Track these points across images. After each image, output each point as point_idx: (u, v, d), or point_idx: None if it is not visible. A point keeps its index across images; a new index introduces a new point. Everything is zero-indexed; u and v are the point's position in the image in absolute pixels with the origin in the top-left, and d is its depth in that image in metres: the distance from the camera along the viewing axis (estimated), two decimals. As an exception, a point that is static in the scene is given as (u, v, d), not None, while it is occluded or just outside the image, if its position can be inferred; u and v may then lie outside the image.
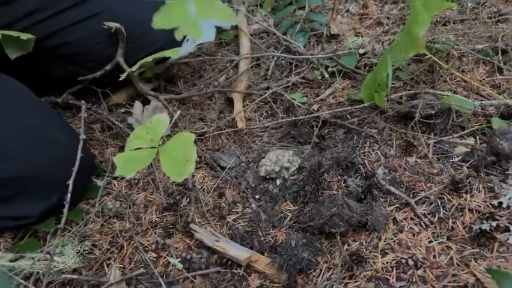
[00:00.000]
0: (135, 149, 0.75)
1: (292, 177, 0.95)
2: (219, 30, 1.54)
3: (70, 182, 0.83)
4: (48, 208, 0.87)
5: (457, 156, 0.92)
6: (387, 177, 0.90)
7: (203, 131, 1.15)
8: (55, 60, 1.12)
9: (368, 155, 0.96)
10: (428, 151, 0.94)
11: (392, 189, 0.85)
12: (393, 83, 1.14)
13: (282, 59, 1.32)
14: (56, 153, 0.89)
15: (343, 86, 1.18)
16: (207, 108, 1.24)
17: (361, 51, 1.25)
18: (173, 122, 1.07)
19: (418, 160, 0.93)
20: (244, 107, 1.22)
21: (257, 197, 0.94)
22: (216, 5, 1.11)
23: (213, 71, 1.38)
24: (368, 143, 0.98)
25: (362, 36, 1.38)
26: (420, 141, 0.96)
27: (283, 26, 1.43)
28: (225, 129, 1.14)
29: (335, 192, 0.89)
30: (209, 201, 0.95)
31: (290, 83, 1.21)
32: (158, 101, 1.12)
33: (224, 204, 0.94)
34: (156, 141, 0.75)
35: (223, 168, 1.02)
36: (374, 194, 0.86)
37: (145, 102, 1.20)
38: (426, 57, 1.12)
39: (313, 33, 1.39)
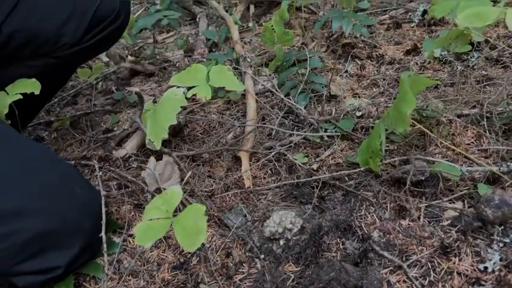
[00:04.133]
0: (152, 219, 0.84)
1: (294, 238, 1.03)
2: (227, 90, 1.66)
3: (103, 233, 0.93)
4: (74, 257, 0.95)
5: (446, 220, 1.00)
6: (382, 240, 0.97)
7: (211, 188, 1.24)
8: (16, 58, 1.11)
9: (364, 218, 1.04)
10: (420, 215, 1.02)
11: (386, 253, 0.92)
12: (387, 146, 1.23)
13: (285, 119, 1.43)
14: (74, 204, 0.98)
15: (341, 148, 1.27)
16: (215, 166, 1.34)
17: (358, 113, 1.35)
18: (185, 180, 1.18)
19: (411, 223, 1.01)
20: (250, 165, 1.31)
21: (262, 256, 1.02)
22: (227, 74, 1.24)
23: (221, 129, 1.49)
24: (364, 205, 1.06)
25: (359, 97, 1.49)
26: (413, 205, 1.04)
27: (286, 87, 1.55)
28: (232, 187, 1.23)
29: (333, 254, 0.97)
30: (217, 261, 1.03)
31: (293, 144, 1.31)
32: (170, 156, 1.22)
33: (231, 264, 1.01)
34: (170, 212, 0.84)
35: (230, 227, 1.11)
36: (370, 257, 0.93)
37: (156, 156, 1.30)
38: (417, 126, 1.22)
39: (314, 94, 1.50)
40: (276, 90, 1.52)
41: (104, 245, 0.97)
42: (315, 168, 1.21)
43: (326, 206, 1.09)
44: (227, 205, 1.19)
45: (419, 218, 1.01)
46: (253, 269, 0.99)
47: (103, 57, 2.03)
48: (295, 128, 1.39)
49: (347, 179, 1.15)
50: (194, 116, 1.56)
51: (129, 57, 2.02)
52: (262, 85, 1.60)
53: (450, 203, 1.03)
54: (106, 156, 1.37)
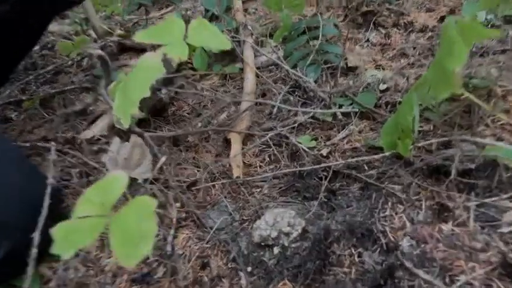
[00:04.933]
0: (82, 217, 0.58)
1: (293, 245, 0.76)
2: (224, 64, 1.40)
3: (36, 233, 0.68)
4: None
5: (508, 225, 0.71)
6: (415, 252, 0.69)
7: (194, 179, 0.98)
8: None
9: (389, 220, 0.76)
10: (468, 217, 0.73)
11: (421, 272, 0.65)
12: (421, 126, 0.95)
13: (291, 95, 1.15)
14: (13, 197, 0.75)
15: (360, 129, 0.99)
16: (201, 151, 1.08)
17: (382, 87, 1.07)
18: (158, 167, 0.92)
19: (455, 229, 0.72)
20: (243, 150, 1.05)
21: (249, 269, 0.75)
22: (209, 30, 0.97)
23: (213, 109, 1.23)
24: (389, 203, 0.78)
25: (383, 69, 1.20)
26: (458, 204, 0.75)
27: (294, 58, 1.28)
28: (219, 177, 0.97)
29: (345, 270, 0.69)
30: (189, 274, 0.77)
31: (296, 124, 1.04)
32: (140, 138, 0.97)
33: (206, 279, 0.75)
34: (107, 208, 0.58)
35: (209, 228, 0.85)
36: (397, 277, 0.65)
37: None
38: (462, 96, 0.92)
39: (327, 65, 1.22)
40: (281, 62, 1.25)
41: (33, 250, 0.72)
42: (324, 154, 0.93)
43: (337, 203, 0.82)
44: (211, 200, 0.93)
45: (467, 221, 0.73)
46: (235, 286, 0.73)
47: (91, 32, 1.80)
48: (303, 105, 1.11)
49: (366, 167, 0.87)
50: (182, 93, 1.30)
51: (118, 31, 1.79)
52: (266, 56, 1.33)
53: (511, 202, 0.74)
54: (72, 139, 1.13)
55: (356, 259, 0.71)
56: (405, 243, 0.71)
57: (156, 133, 1.04)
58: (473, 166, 0.76)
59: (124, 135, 1.08)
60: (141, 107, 1.14)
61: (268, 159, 1.02)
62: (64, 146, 1.11)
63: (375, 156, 0.84)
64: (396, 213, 0.77)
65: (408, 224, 0.74)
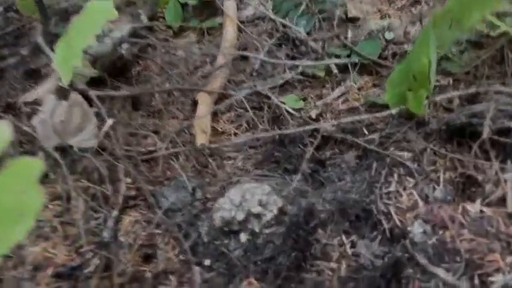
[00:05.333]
0: None
1: (266, 231, 0.57)
2: (202, 18, 1.20)
3: None
4: None
5: (560, 205, 0.51)
6: (430, 241, 0.50)
7: (152, 149, 0.79)
8: None
9: (395, 198, 0.56)
10: (504, 194, 0.53)
11: (439, 271, 0.45)
12: (437, 81, 0.74)
13: (277, 49, 0.95)
14: None
15: (359, 85, 0.79)
16: (166, 117, 0.88)
17: (388, 35, 0.86)
18: (103, 132, 0.73)
19: (486, 209, 0.53)
20: (217, 115, 0.85)
21: (207, 262, 0.56)
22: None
23: (185, 68, 1.03)
24: (395, 175, 0.59)
25: (389, 17, 0.98)
26: (489, 175, 0.55)
27: (283, 9, 1.06)
28: (182, 147, 0.77)
29: (333, 266, 0.50)
30: (127, 268, 0.58)
31: (282, 81, 0.84)
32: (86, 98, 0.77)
33: (149, 275, 0.56)
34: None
35: (159, 208, 0.66)
36: (405, 277, 0.46)
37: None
38: (493, 37, 0.71)
39: (321, 16, 1.00)
40: (269, 12, 1.04)
41: None
42: (313, 116, 0.73)
43: (326, 176, 0.62)
44: (172, 174, 0.74)
45: (502, 199, 0.53)
46: (185, 285, 0.54)
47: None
48: (291, 60, 0.90)
49: (365, 130, 0.67)
50: (151, 51, 1.10)
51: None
52: (251, 8, 1.12)
53: None
54: (14, 103, 0.94)
55: (348, 250, 0.52)
56: (416, 229, 0.51)
57: (106, 92, 0.85)
58: (510, 124, 0.55)
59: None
60: (95, 63, 0.95)
61: (245, 125, 0.83)
62: (6, 112, 0.93)
63: (377, 115, 0.64)
64: (404, 189, 0.57)
65: (420, 203, 0.55)
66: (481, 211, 0.53)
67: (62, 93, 0.92)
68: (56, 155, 0.75)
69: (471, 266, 0.47)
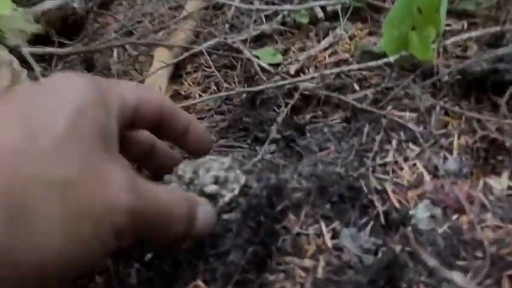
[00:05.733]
0: None
1: (225, 217, 0.43)
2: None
3: None
4: None
5: None
6: (440, 230, 0.36)
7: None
8: None
9: (393, 171, 0.42)
10: (542, 163, 0.39)
11: (454, 273, 0.32)
12: (448, 25, 0.59)
13: (255, -2, 0.79)
14: None
15: (351, 34, 0.63)
16: (122, 78, 0.74)
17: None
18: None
19: (516, 185, 0.39)
20: (181, 76, 0.71)
21: (147, 258, 0.43)
22: None
23: (151, 25, 0.88)
24: (394, 141, 0.44)
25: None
26: (520, 140, 0.41)
27: None
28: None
29: (307, 264, 0.37)
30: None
31: (257, 32, 0.69)
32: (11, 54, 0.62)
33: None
34: None
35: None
36: (405, 281, 0.33)
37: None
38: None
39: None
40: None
41: None
42: (292, 72, 0.59)
43: (304, 145, 0.48)
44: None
45: (539, 171, 0.39)
46: (113, 289, 0.41)
47: None
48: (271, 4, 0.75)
49: (356, 86, 0.52)
50: (112, 5, 0.95)
51: None
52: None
53: None
54: None
55: (328, 242, 0.38)
56: (421, 213, 0.38)
57: (43, 48, 0.70)
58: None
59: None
60: (39, 18, 0.80)
61: (214, 87, 0.68)
62: None
63: (371, 64, 0.49)
64: (405, 159, 0.43)
65: (427, 177, 0.41)
66: (510, 187, 0.39)
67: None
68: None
69: (497, 264, 0.33)
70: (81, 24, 0.86)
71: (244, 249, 0.36)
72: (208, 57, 0.70)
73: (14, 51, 0.64)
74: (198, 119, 0.63)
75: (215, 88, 0.68)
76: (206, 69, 0.72)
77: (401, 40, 0.48)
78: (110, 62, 0.78)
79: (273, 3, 0.73)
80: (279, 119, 0.49)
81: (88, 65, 0.78)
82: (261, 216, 0.37)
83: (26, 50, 0.65)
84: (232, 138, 0.55)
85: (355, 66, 0.50)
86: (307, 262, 0.37)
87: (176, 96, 0.68)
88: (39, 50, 0.69)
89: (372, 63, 0.49)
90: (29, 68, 0.68)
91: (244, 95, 0.57)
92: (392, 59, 0.48)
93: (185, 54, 0.63)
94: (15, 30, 0.72)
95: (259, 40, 0.71)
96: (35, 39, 0.79)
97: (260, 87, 0.52)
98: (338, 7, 0.65)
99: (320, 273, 0.36)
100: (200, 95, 0.67)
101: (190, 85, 0.70)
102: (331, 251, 0.38)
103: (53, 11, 0.82)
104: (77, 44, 0.80)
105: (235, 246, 0.36)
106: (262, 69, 0.60)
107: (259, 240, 0.37)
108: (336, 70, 0.50)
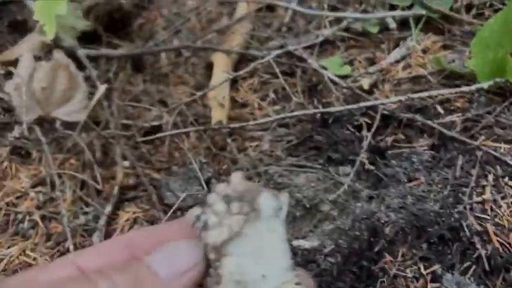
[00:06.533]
0: None
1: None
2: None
3: None
4: None
5: None
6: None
7: (157, 123, 0.63)
8: None
9: (491, 209, 0.40)
10: None
11: None
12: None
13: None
14: None
15: (424, 46, 0.60)
16: (174, 83, 0.72)
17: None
18: (94, 101, 0.57)
19: None
20: (236, 82, 0.68)
21: None
22: None
23: (198, 21, 0.85)
24: (490, 176, 0.42)
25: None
26: None
27: None
28: (194, 123, 0.61)
29: (409, 312, 0.35)
30: None
31: (320, 40, 0.66)
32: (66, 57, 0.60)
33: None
34: None
35: (168, 206, 0.51)
36: None
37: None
38: None
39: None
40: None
41: None
42: (365, 87, 0.56)
43: (389, 173, 0.46)
44: (181, 157, 0.59)
45: None
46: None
47: None
48: (332, 10, 0.71)
49: (441, 109, 0.50)
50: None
51: None
52: None
53: None
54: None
55: (428, 286, 0.36)
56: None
57: (99, 51, 0.68)
58: None
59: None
60: (88, 14, 0.78)
61: (273, 95, 0.66)
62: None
63: (464, 89, 0.46)
64: (503, 197, 0.40)
65: (533, 220, 0.39)
66: None
67: (47, 50, 0.75)
68: (37, 130, 0.60)
69: None
70: (127, 19, 0.83)
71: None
72: (265, 63, 0.67)
73: (70, 52, 0.62)
74: (259, 131, 0.61)
75: (274, 96, 0.66)
76: (263, 75, 0.69)
77: (497, 64, 0.45)
78: (160, 63, 0.76)
79: (335, 8, 0.70)
80: (365, 142, 0.46)
81: (137, 65, 0.75)
82: (363, 261, 0.35)
83: (82, 52, 0.63)
84: (304, 158, 0.53)
85: (445, 91, 0.47)
86: (407, 307, 0.36)
87: (233, 103, 0.66)
88: (94, 52, 0.66)
89: (465, 89, 0.46)
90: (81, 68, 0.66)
91: (313, 111, 0.54)
92: (485, 85, 0.45)
93: (253, 64, 0.60)
94: (66, 28, 0.70)
95: (319, 46, 0.68)
96: (83, 36, 0.76)
97: (338, 109, 0.49)
98: (410, 16, 0.61)
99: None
100: (259, 105, 0.65)
101: (246, 92, 0.68)
102: (432, 296, 0.36)
103: (101, 5, 0.79)
104: (127, 45, 0.77)
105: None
106: (330, 80, 0.57)
107: (359, 283, 0.35)
108: (424, 94, 0.47)
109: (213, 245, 0.25)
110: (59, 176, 0.57)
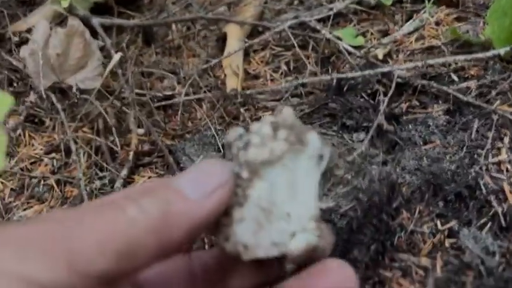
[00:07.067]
0: None
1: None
2: None
3: None
4: None
5: None
6: None
7: (171, 93, 0.64)
8: None
9: (507, 170, 0.41)
10: None
11: None
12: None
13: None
14: None
15: (437, 19, 0.60)
16: (186, 55, 0.72)
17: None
18: (109, 69, 0.58)
19: None
20: (248, 55, 0.69)
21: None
22: None
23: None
24: (506, 139, 0.43)
25: None
26: None
27: None
28: (206, 92, 0.62)
29: (424, 263, 0.36)
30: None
31: (333, 12, 0.66)
32: (83, 25, 0.60)
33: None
34: None
35: (183, 169, 0.51)
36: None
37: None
38: None
39: None
40: None
41: None
42: (380, 57, 0.56)
43: (405, 137, 0.46)
44: (194, 126, 0.59)
45: None
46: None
47: None
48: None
49: (455, 77, 0.50)
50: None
51: None
52: None
53: None
54: (3, 34, 0.78)
55: (446, 241, 0.37)
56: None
57: (113, 20, 0.68)
58: None
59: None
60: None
61: (285, 67, 0.66)
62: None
63: (479, 55, 0.47)
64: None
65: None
66: None
67: (59, 21, 0.75)
68: (52, 97, 0.60)
69: None
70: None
71: (367, 246, 0.35)
72: (276, 35, 0.67)
73: (83, 21, 0.62)
74: (272, 101, 0.61)
75: (286, 68, 0.66)
76: (275, 47, 0.69)
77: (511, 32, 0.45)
78: (171, 35, 0.75)
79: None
80: (382, 107, 0.47)
81: (147, 36, 0.75)
82: (382, 214, 0.36)
83: (96, 21, 0.63)
84: (318, 125, 0.53)
85: (461, 57, 0.47)
86: (424, 260, 0.37)
87: (245, 75, 0.66)
88: (108, 21, 0.66)
89: (480, 55, 0.46)
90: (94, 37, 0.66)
91: (328, 76, 0.54)
92: (502, 51, 0.46)
93: (268, 33, 0.61)
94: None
95: (332, 19, 0.68)
96: (95, 7, 0.76)
97: (354, 75, 0.49)
98: (423, -12, 0.61)
99: (438, 272, 0.36)
100: (271, 76, 0.65)
101: (258, 64, 0.68)
102: (448, 251, 0.37)
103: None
104: (141, 16, 0.77)
105: (360, 243, 0.35)
106: (345, 50, 0.58)
107: (379, 238, 0.36)
108: (440, 60, 0.48)
109: (251, 163, 0.24)
110: (74, 141, 0.57)
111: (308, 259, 0.26)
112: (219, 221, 0.26)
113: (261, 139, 0.24)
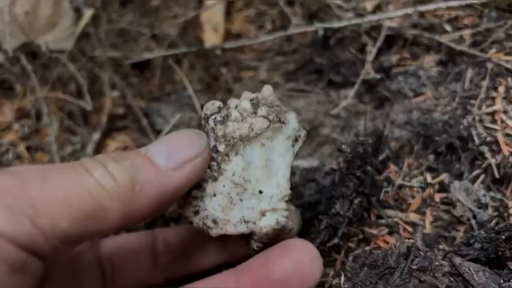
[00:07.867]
0: None
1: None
2: None
3: None
4: None
5: None
6: None
7: (148, 54, 0.60)
8: None
9: (502, 121, 0.38)
10: None
11: None
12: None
13: None
14: None
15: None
16: (164, 16, 0.68)
17: None
18: (81, 27, 0.54)
19: None
20: (230, 14, 0.65)
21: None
22: None
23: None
24: (501, 88, 0.40)
25: None
26: None
27: None
28: (186, 52, 0.58)
29: (412, 219, 0.34)
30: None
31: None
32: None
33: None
34: None
35: (160, 133, 0.48)
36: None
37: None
38: None
39: None
40: None
41: None
42: (369, 9, 0.53)
43: (394, 89, 0.43)
44: (172, 88, 0.56)
45: None
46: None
47: None
48: None
49: (448, 27, 0.47)
50: None
51: None
52: None
53: None
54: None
55: (435, 196, 0.35)
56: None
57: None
58: None
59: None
60: None
61: (270, 26, 0.62)
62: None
63: (473, 1, 0.43)
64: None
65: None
66: None
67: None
68: (22, 58, 0.56)
69: None
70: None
71: (350, 201, 0.32)
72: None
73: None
74: (256, 60, 0.58)
75: (270, 27, 0.62)
76: (259, 6, 0.65)
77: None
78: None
79: None
80: (370, 58, 0.43)
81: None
82: (367, 166, 0.33)
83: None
84: (303, 82, 0.50)
85: (454, 2, 0.44)
86: (413, 216, 0.34)
87: (227, 35, 0.62)
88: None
89: (476, 1, 0.43)
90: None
91: (317, 33, 0.51)
92: (498, -6, 0.42)
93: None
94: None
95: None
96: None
97: (341, 25, 0.46)
98: None
99: (428, 229, 0.33)
100: (256, 36, 0.61)
101: (242, 22, 0.64)
102: (438, 205, 0.34)
103: None
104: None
105: (341, 196, 0.32)
106: (333, 4, 0.54)
107: (363, 192, 0.33)
108: (432, 6, 0.44)
109: (228, 138, 0.24)
110: (46, 105, 0.54)
111: (275, 238, 0.26)
112: (190, 194, 0.26)
113: (240, 114, 0.24)
